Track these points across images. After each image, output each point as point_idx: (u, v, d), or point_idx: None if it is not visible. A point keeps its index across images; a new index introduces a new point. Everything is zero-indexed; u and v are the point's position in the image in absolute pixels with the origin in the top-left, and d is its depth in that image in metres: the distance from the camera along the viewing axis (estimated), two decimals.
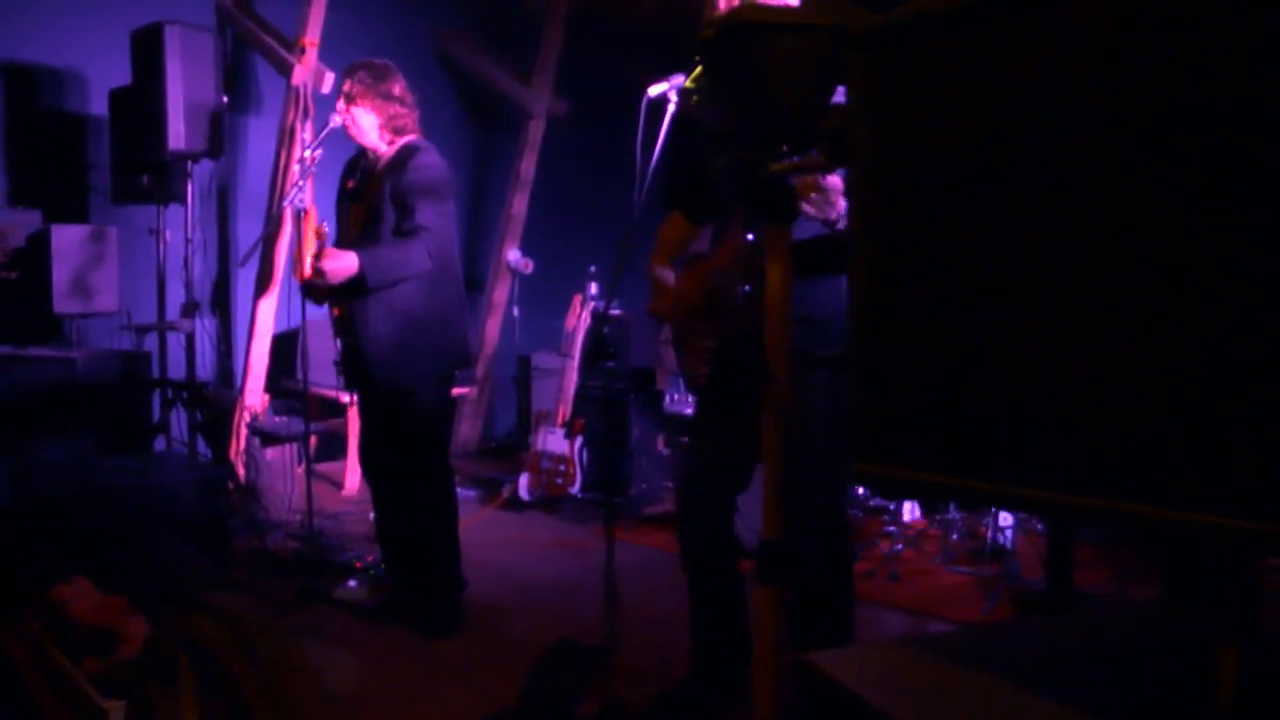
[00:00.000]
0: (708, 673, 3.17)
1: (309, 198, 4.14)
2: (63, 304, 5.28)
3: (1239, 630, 1.23)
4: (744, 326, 2.74)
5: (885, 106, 1.29)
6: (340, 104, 3.94)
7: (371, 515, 4.40)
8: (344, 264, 3.72)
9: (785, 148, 1.51)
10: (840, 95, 1.45)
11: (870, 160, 1.30)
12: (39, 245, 5.27)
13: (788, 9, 1.62)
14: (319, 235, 3.82)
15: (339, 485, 6.34)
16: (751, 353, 2.77)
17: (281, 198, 5.80)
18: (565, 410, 6.04)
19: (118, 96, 5.63)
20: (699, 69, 2.43)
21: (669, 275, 3.06)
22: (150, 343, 5.67)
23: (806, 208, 2.31)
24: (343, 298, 3.88)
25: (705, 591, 3.15)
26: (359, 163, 4.09)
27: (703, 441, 3.17)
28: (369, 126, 3.93)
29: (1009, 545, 4.63)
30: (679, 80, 2.76)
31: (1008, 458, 1.22)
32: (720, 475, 3.07)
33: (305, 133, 5.83)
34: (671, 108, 2.78)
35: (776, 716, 1.61)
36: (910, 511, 5.15)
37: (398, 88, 3.96)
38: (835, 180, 2.32)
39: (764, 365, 1.61)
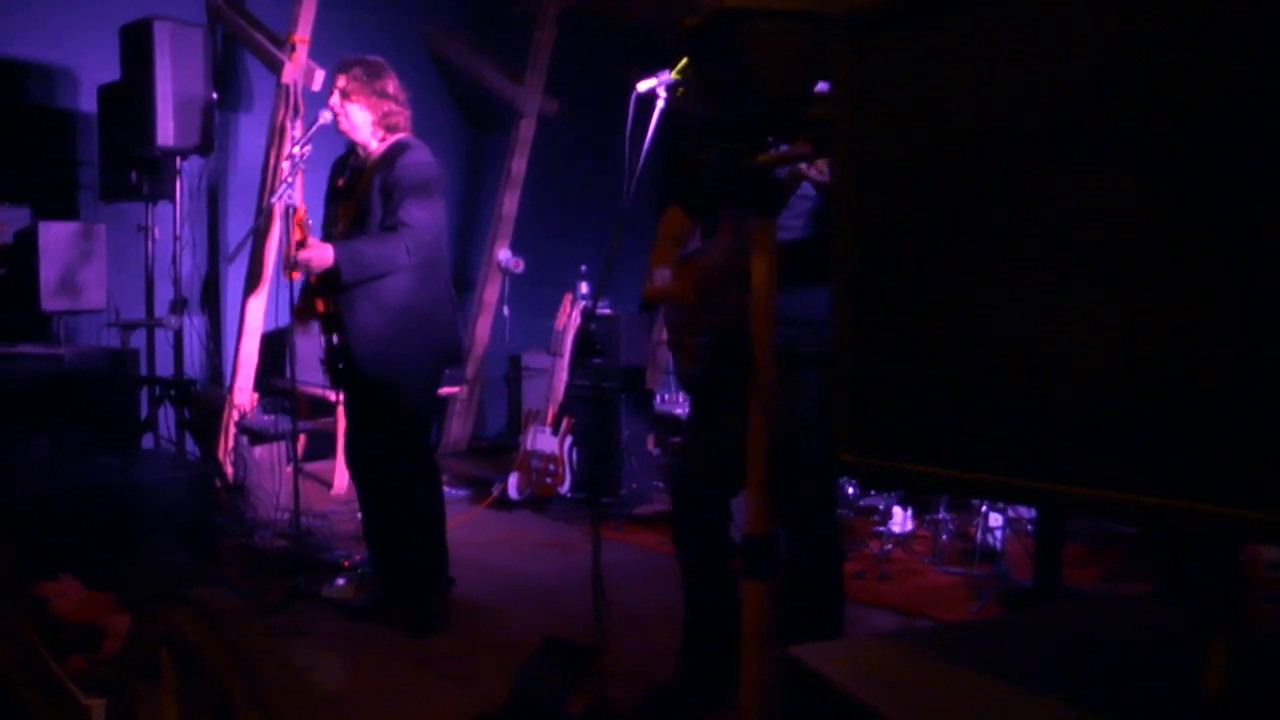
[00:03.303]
0: (697, 671, 3.16)
1: (298, 194, 4.13)
2: (50, 301, 5.26)
3: (1227, 624, 1.23)
4: (735, 323, 2.73)
5: (870, 93, 1.28)
6: (334, 99, 3.93)
7: (359, 514, 4.38)
8: (321, 255, 3.72)
9: (771, 138, 1.50)
10: (824, 85, 1.43)
11: (854, 148, 1.29)
12: (27, 242, 5.24)
13: None
14: (301, 226, 3.83)
15: (328, 484, 6.31)
16: (741, 350, 2.76)
17: (271, 194, 5.78)
18: (555, 410, 6.02)
19: (107, 92, 5.60)
20: (685, 60, 2.42)
21: (666, 272, 3.05)
22: (138, 340, 5.64)
23: (811, 170, 2.29)
24: (329, 294, 3.87)
25: (697, 589, 3.14)
26: (348, 160, 4.08)
27: (695, 439, 3.16)
28: (362, 123, 3.93)
29: (999, 546, 4.62)
30: (668, 76, 2.75)
31: (997, 448, 1.21)
32: (711, 473, 3.06)
33: (295, 130, 5.81)
34: (660, 103, 2.77)
35: (762, 709, 1.60)
36: (902, 523, 5.13)
37: (391, 86, 3.96)
38: None
39: (750, 361, 1.60)
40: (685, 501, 3.14)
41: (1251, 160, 0.96)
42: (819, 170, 2.28)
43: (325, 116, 4.00)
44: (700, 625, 3.16)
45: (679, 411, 6.33)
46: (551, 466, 5.91)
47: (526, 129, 7.67)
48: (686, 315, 2.94)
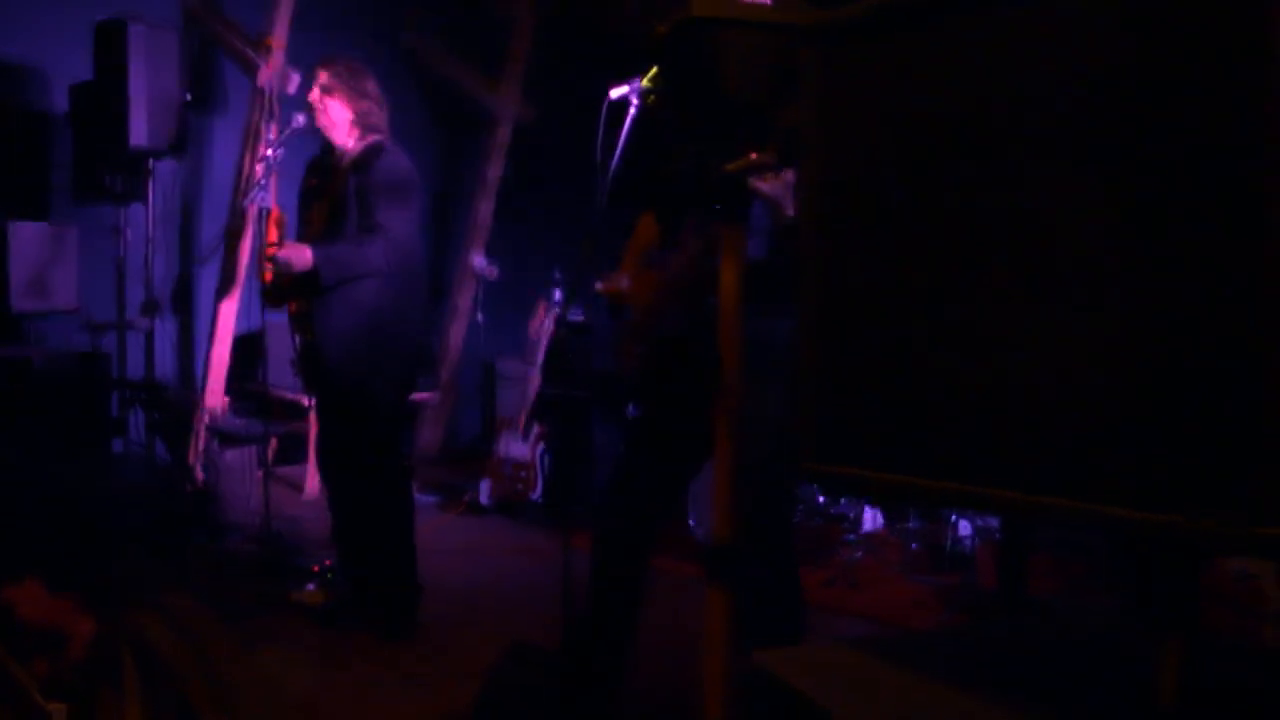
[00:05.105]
0: (588, 651, 3.01)
1: (272, 197, 4.12)
2: (20, 302, 5.22)
3: (1184, 633, 1.24)
4: (674, 337, 2.72)
5: (837, 103, 1.29)
6: (314, 93, 3.92)
7: (330, 516, 4.36)
8: (300, 256, 3.71)
9: (740, 146, 1.50)
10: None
11: (820, 158, 1.30)
12: None
13: (747, 5, 1.61)
14: (279, 225, 3.81)
15: (299, 488, 6.27)
16: (678, 364, 2.75)
17: (244, 196, 5.75)
18: (527, 416, 6.02)
19: (79, 92, 5.56)
20: (656, 68, 2.42)
21: (624, 278, 3.03)
22: (109, 342, 5.59)
23: (761, 185, 2.21)
24: (302, 295, 3.86)
25: (600, 594, 2.99)
26: (322, 160, 4.06)
27: (630, 448, 3.08)
28: (340, 120, 3.92)
29: (968, 554, 4.65)
30: (639, 83, 2.74)
31: (962, 456, 1.21)
32: (639, 480, 2.96)
33: (270, 133, 5.79)
34: (632, 110, 2.77)
35: (725, 716, 1.60)
36: (871, 521, 5.16)
37: (371, 86, 3.98)
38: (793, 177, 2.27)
39: (710, 368, 1.60)
40: (614, 514, 3.01)
41: (1214, 176, 0.97)
42: (770, 186, 2.21)
43: (300, 119, 3.99)
44: (602, 626, 3.00)
45: None
46: (523, 473, 5.91)
47: (503, 135, 7.66)
48: (634, 321, 2.93)
